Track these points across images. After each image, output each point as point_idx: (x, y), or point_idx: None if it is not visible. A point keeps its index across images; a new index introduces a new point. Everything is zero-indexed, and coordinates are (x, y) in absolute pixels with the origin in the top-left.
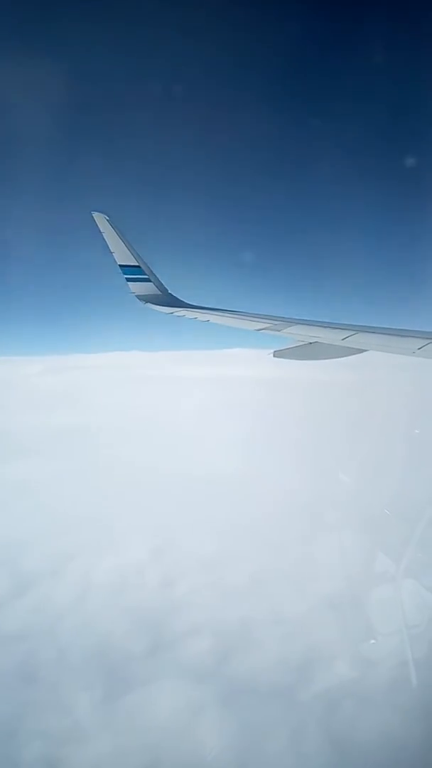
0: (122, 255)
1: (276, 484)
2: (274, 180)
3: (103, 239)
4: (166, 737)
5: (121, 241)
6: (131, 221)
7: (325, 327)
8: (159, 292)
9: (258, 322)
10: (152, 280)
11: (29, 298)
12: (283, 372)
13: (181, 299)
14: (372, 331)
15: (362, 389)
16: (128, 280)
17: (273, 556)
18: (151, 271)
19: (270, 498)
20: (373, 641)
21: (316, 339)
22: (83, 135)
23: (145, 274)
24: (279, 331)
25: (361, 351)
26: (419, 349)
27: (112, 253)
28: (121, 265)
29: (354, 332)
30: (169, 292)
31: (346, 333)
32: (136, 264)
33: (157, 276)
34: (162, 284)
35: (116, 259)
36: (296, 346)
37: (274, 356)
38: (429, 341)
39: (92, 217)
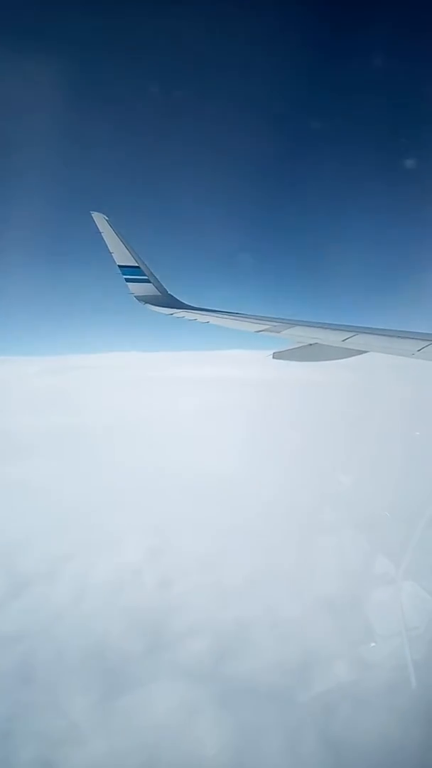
0: (121, 255)
1: (275, 485)
2: (274, 181)
3: (103, 239)
4: (163, 738)
5: (120, 241)
6: (131, 222)
7: (325, 328)
8: (158, 293)
9: (258, 323)
10: (152, 280)
11: (28, 298)
12: (283, 373)
13: (181, 300)
14: (372, 333)
15: (362, 391)
16: (128, 280)
17: (271, 557)
18: (151, 272)
19: (269, 499)
20: (372, 644)
21: (316, 340)
22: (83, 135)
23: (144, 275)
24: (279, 332)
25: (361, 352)
26: (419, 350)
27: (111, 253)
28: (120, 266)
29: (354, 334)
30: (169, 293)
31: (346, 334)
32: (136, 264)
33: (157, 277)
34: (161, 285)
35: (115, 260)
36: (296, 348)
37: (274, 358)
38: (429, 343)
39: (91, 217)
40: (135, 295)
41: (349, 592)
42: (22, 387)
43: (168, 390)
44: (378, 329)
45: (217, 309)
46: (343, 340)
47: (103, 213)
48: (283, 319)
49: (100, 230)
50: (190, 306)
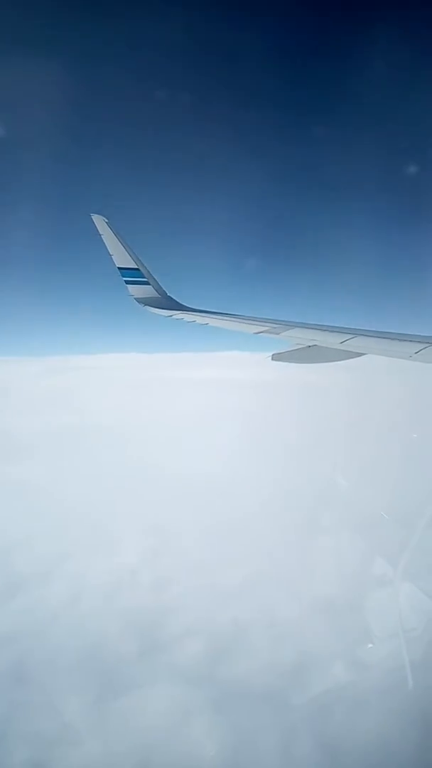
0: (121, 258)
1: (273, 486)
2: (274, 183)
3: (102, 242)
4: (158, 740)
5: (120, 243)
6: (130, 224)
7: (323, 330)
8: (158, 295)
9: (257, 325)
10: (151, 282)
11: (28, 299)
12: (282, 375)
13: (180, 302)
14: (370, 335)
15: (360, 392)
16: (127, 282)
17: (269, 559)
18: (150, 274)
19: (267, 501)
20: (370, 645)
21: (314, 342)
22: (83, 136)
23: (143, 277)
24: (278, 334)
25: (359, 354)
26: (417, 353)
27: (111, 255)
28: (120, 268)
29: (352, 336)
30: (168, 294)
31: (345, 336)
32: (135, 267)
33: (156, 279)
34: (161, 287)
35: (115, 262)
36: (295, 350)
37: (273, 359)
38: (427, 345)
39: (91, 219)
40: (134, 296)
41: (347, 594)
42: (22, 387)
43: (167, 391)
44: (376, 331)
45: (216, 310)
46: (342, 342)
47: (103, 215)
48: (281, 320)
49: (100, 232)
50: (189, 308)
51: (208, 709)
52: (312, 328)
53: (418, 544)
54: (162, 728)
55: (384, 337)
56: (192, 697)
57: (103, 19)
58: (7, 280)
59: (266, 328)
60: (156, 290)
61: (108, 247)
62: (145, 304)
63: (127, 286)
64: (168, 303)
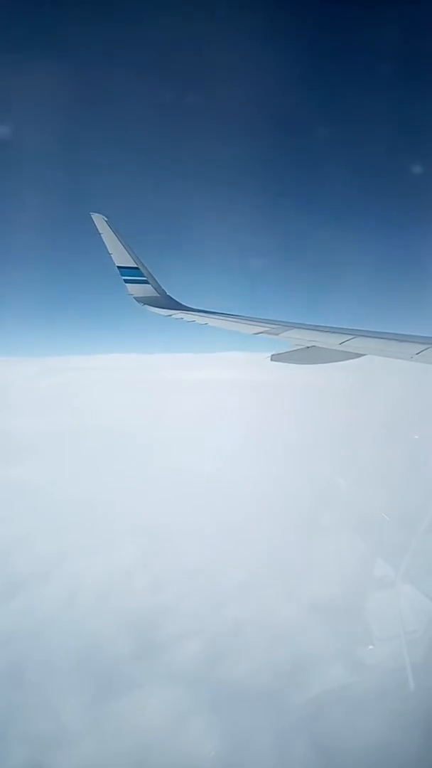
0: (120, 256)
1: (273, 487)
2: (273, 183)
3: (102, 240)
4: (155, 741)
5: (119, 242)
6: (130, 223)
7: (322, 331)
8: (157, 294)
9: (256, 325)
10: (150, 282)
11: (27, 299)
12: (281, 376)
13: (180, 302)
14: (370, 336)
15: (360, 393)
16: (126, 281)
17: (268, 560)
18: (150, 273)
19: (266, 502)
20: (370, 647)
21: (313, 343)
22: (82, 136)
23: (143, 276)
24: (277, 334)
25: (358, 355)
26: (417, 353)
27: (110, 254)
28: (119, 267)
29: (352, 336)
30: (168, 294)
31: (344, 337)
32: (135, 266)
33: (156, 278)
34: (160, 286)
35: (114, 261)
36: (294, 350)
37: (272, 360)
38: (427, 346)
39: (91, 218)
40: (134, 296)
41: (347, 595)
42: (22, 387)
43: (166, 391)
44: (376, 332)
45: (215, 311)
46: (341, 343)
47: (103, 214)
48: (281, 321)
49: (100, 231)
50: (188, 307)
51: (206, 709)
52: (311, 329)
53: (418, 546)
54: (160, 729)
55: (383, 338)
56: (190, 698)
57: (103, 18)
58: (6, 280)
59: (265, 329)
60: (155, 289)
61: (107, 246)
62: (145, 304)
63: (127, 285)
64: (167, 302)
